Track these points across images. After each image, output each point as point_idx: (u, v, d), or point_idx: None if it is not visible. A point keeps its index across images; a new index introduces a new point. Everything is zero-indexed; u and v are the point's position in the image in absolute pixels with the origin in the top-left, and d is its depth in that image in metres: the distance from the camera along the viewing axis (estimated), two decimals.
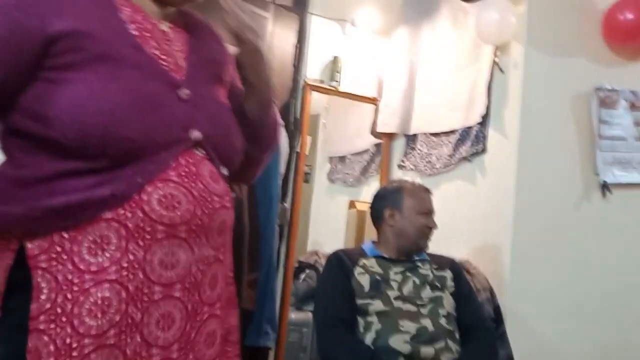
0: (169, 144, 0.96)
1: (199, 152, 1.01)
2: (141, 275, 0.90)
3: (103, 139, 0.89)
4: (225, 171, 1.06)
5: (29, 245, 0.89)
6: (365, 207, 3.48)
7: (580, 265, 2.72)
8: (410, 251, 2.22)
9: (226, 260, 1.06)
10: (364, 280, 2.09)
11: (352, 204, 3.76)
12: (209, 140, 1.02)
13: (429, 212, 2.24)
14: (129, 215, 0.91)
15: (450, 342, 2.02)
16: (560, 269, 2.70)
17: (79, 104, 0.89)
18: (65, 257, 0.88)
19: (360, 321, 2.03)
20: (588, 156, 2.77)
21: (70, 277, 0.88)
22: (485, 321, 2.21)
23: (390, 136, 3.54)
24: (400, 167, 3.42)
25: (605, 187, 2.75)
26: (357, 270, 2.12)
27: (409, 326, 1.99)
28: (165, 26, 1.07)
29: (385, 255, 2.21)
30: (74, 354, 0.85)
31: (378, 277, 2.10)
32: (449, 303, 2.11)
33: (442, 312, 2.06)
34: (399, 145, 3.50)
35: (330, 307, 2.07)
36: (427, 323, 2.01)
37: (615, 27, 2.77)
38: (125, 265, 0.89)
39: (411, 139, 3.35)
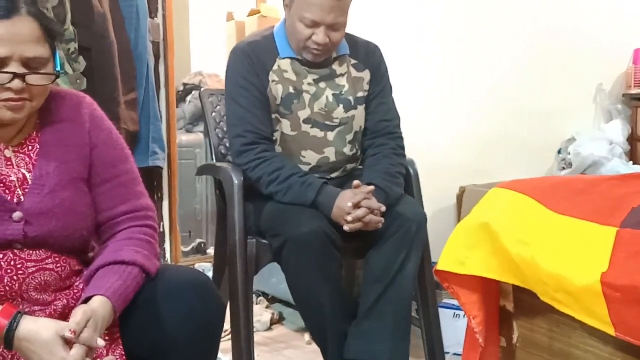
0: None
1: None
2: None
3: None
4: None
5: None
6: (244, 17, 3.35)
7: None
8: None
9: None
10: (277, 91, 1.81)
11: (230, 16, 3.59)
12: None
13: (315, 24, 1.72)
14: None
15: (350, 166, 1.91)
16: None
17: None
18: None
19: None
20: None
21: None
22: (392, 122, 1.94)
23: None
24: None
25: None
26: (272, 77, 1.81)
27: (311, 157, 1.84)
28: (9, 152, 1.14)
29: (300, 57, 1.83)
30: None
31: (291, 90, 1.82)
32: (360, 119, 1.90)
33: (349, 137, 1.87)
34: None
35: (247, 121, 1.78)
36: (330, 153, 1.85)
37: None
38: None
39: None
